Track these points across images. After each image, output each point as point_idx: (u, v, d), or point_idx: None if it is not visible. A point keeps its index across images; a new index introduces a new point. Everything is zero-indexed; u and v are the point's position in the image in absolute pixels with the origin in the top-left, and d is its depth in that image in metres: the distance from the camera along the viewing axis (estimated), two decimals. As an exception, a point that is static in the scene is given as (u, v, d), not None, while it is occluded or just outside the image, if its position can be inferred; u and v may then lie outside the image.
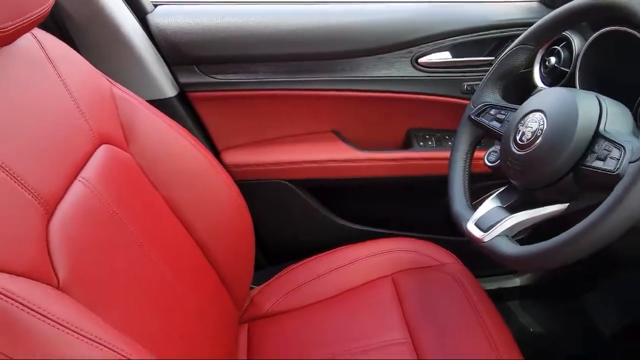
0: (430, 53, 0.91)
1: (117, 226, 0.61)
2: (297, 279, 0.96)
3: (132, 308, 0.57)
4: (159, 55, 0.88)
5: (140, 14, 0.86)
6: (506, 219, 0.62)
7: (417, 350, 0.79)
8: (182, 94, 0.92)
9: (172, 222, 0.76)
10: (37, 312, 0.40)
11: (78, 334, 0.42)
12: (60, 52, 0.63)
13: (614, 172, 0.49)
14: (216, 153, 0.98)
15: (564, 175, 0.56)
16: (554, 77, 0.83)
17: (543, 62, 0.86)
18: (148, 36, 0.87)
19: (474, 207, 0.70)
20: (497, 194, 0.68)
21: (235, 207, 0.87)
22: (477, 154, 0.78)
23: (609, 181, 0.49)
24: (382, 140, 1.01)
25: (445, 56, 0.92)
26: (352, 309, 0.89)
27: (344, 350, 0.81)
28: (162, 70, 0.89)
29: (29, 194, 0.48)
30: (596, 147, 0.54)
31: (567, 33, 0.80)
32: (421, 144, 1.00)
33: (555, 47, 0.83)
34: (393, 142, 1.02)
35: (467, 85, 0.93)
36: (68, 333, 0.41)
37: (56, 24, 0.79)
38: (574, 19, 0.64)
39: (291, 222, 1.06)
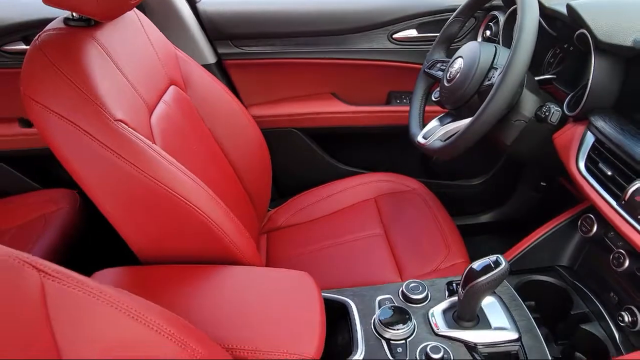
0: (402, 30, 1.24)
1: (182, 135, 0.93)
2: (304, 202, 1.27)
3: None
4: (204, 33, 1.22)
5: (192, 3, 1.20)
6: (439, 129, 0.94)
7: (389, 240, 1.10)
8: (220, 62, 1.26)
9: (214, 147, 1.07)
10: (149, 145, 0.72)
11: (174, 165, 0.74)
12: (148, 23, 0.96)
13: (492, 84, 0.81)
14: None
15: (472, 95, 0.88)
16: (489, 45, 1.14)
17: (483, 34, 1.18)
18: (197, 19, 1.21)
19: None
20: (438, 118, 0.99)
21: (258, 143, 1.19)
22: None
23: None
24: (369, 99, 1.33)
25: (413, 33, 1.24)
26: (345, 219, 1.20)
27: (340, 241, 1.12)
28: (206, 43, 1.22)
29: (140, 98, 0.81)
30: (489, 74, 0.85)
31: (496, 13, 1.12)
32: (398, 101, 1.32)
33: (490, 23, 1.15)
34: (377, 100, 1.34)
35: (431, 54, 1.25)
36: (166, 162, 0.73)
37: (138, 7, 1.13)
38: (482, 1, 0.96)
39: (298, 162, 1.38)
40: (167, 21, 1.14)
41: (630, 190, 0.65)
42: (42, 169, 1.34)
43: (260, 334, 0.66)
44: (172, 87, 0.97)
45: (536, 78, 0.96)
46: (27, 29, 1.16)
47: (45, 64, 0.68)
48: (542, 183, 1.40)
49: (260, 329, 0.67)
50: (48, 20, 1.12)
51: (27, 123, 1.28)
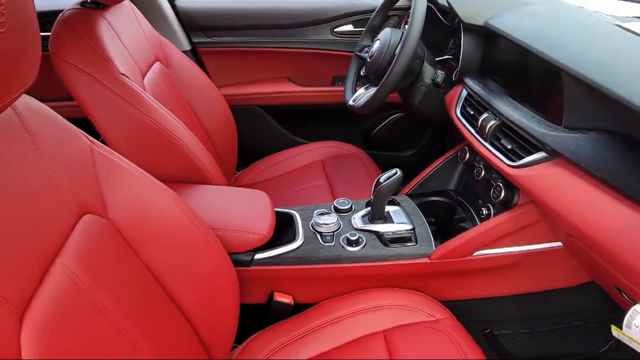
0: (341, 26, 1.55)
1: (166, 98, 1.19)
2: (264, 164, 1.52)
3: None
4: (181, 24, 1.50)
5: (171, 0, 1.48)
6: (364, 95, 1.24)
7: (331, 187, 1.37)
8: (194, 49, 1.54)
9: (191, 114, 1.32)
10: (145, 94, 0.99)
11: (164, 110, 1.01)
12: (138, 12, 1.23)
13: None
14: (214, 88, 1.58)
15: (385, 66, 1.18)
16: (407, 36, 1.46)
17: (403, 28, 1.50)
18: (175, 14, 1.49)
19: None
20: (364, 87, 1.29)
21: (226, 115, 1.44)
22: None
23: (397, 62, 1.11)
24: (316, 81, 1.63)
25: (350, 27, 1.56)
26: (297, 176, 1.46)
27: (292, 190, 1.38)
28: (182, 33, 1.50)
29: (136, 64, 1.08)
30: (397, 50, 1.16)
31: (411, 11, 1.44)
32: (340, 83, 1.63)
33: (408, 19, 1.47)
34: (324, 82, 1.64)
35: (364, 45, 1.56)
36: (159, 107, 1.00)
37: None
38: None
39: (259, 133, 1.66)
40: (151, 13, 1.41)
41: (480, 119, 0.97)
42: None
43: (229, 220, 0.93)
44: (157, 63, 1.24)
45: (438, 58, 1.28)
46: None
47: (69, 32, 0.94)
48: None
49: (229, 217, 0.94)
50: (51, 12, 1.38)
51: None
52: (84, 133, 0.69)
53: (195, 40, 1.53)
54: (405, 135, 1.76)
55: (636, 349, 0.72)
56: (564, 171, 0.76)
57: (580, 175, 0.73)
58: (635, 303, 0.68)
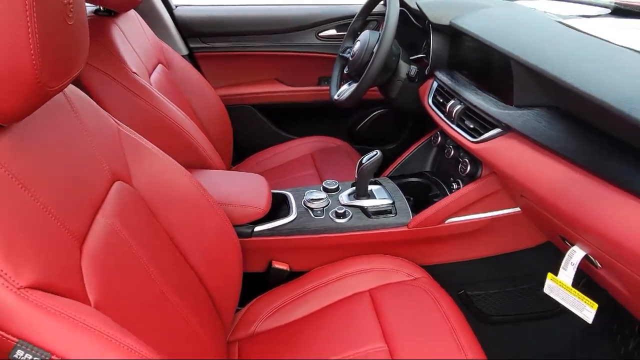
0: (325, 30, 1.71)
1: (170, 97, 1.33)
2: (258, 158, 1.66)
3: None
4: (179, 31, 1.64)
5: (170, 10, 1.62)
6: (347, 90, 1.39)
7: (320, 175, 1.51)
8: (191, 54, 1.67)
9: (190, 111, 1.47)
10: (154, 89, 1.12)
11: (170, 103, 1.14)
12: (142, 20, 1.36)
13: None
14: (210, 90, 1.72)
15: (366, 63, 1.33)
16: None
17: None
18: (173, 22, 1.63)
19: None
20: (347, 83, 1.44)
21: (222, 113, 1.58)
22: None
23: (376, 59, 1.26)
24: (304, 82, 1.78)
25: (333, 32, 1.71)
26: (289, 168, 1.61)
27: (284, 179, 1.51)
28: (180, 39, 1.64)
29: (143, 64, 1.21)
30: (375, 48, 1.31)
31: (388, 15, 1.60)
32: (325, 83, 1.78)
33: (385, 23, 1.63)
34: (310, 83, 1.79)
35: (346, 47, 1.72)
36: (166, 101, 1.13)
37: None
38: (374, 2, 1.44)
39: (252, 130, 1.80)
40: (152, 21, 1.55)
41: (448, 105, 1.12)
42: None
43: (232, 196, 1.06)
44: (159, 65, 1.37)
45: (413, 57, 1.43)
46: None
47: (87, 36, 1.07)
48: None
49: (231, 194, 1.07)
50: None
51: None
52: (111, 116, 0.82)
53: (192, 45, 1.66)
54: (386, 131, 1.91)
55: (562, 301, 0.86)
56: (515, 142, 0.91)
57: (528, 144, 0.88)
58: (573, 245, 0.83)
